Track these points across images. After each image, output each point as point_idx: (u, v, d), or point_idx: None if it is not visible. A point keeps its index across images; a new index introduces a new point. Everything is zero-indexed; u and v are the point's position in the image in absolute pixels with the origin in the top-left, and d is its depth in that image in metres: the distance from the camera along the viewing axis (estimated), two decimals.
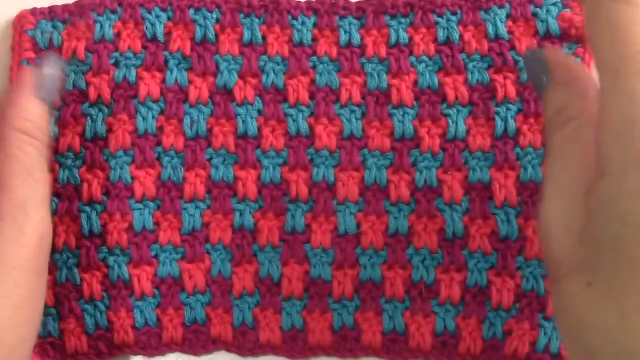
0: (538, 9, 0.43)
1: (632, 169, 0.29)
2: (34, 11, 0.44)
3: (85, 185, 0.42)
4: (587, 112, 0.36)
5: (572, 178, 0.34)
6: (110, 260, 0.42)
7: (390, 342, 0.41)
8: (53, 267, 0.42)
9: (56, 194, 0.42)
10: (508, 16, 0.43)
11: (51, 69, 0.41)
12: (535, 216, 0.41)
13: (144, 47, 0.44)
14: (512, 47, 0.43)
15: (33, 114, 0.39)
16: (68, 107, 0.43)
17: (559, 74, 0.37)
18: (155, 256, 0.43)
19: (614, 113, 0.31)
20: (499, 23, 0.43)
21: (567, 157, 0.35)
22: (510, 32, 0.43)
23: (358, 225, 0.42)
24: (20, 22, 0.44)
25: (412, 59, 0.43)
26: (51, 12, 0.44)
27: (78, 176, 0.43)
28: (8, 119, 0.39)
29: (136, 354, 0.42)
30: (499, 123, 0.42)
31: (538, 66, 0.38)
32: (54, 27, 0.44)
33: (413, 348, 0.41)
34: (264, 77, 0.44)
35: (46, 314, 0.42)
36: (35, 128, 0.39)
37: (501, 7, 0.43)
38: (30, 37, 0.43)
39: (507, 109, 0.42)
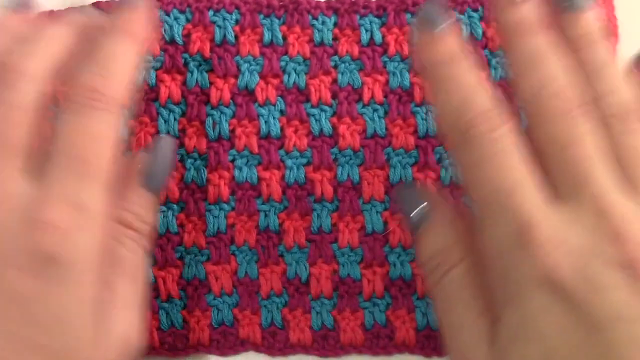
0: None
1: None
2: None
3: None
4: (475, 251, 0.33)
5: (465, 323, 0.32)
6: None
7: (425, 338, 0.41)
8: None
9: None
10: None
11: (163, 155, 0.37)
12: None
13: (163, 50, 0.44)
14: None
15: (134, 205, 0.35)
16: None
17: (440, 212, 0.35)
18: (180, 258, 0.43)
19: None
20: None
21: (462, 299, 0.32)
22: None
23: (385, 223, 0.42)
24: None
25: None
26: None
27: None
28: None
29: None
30: (523, 115, 0.42)
31: (414, 201, 0.35)
32: None
33: None
34: (285, 77, 0.43)
35: None
36: (135, 219, 0.35)
37: None
38: None
39: None
